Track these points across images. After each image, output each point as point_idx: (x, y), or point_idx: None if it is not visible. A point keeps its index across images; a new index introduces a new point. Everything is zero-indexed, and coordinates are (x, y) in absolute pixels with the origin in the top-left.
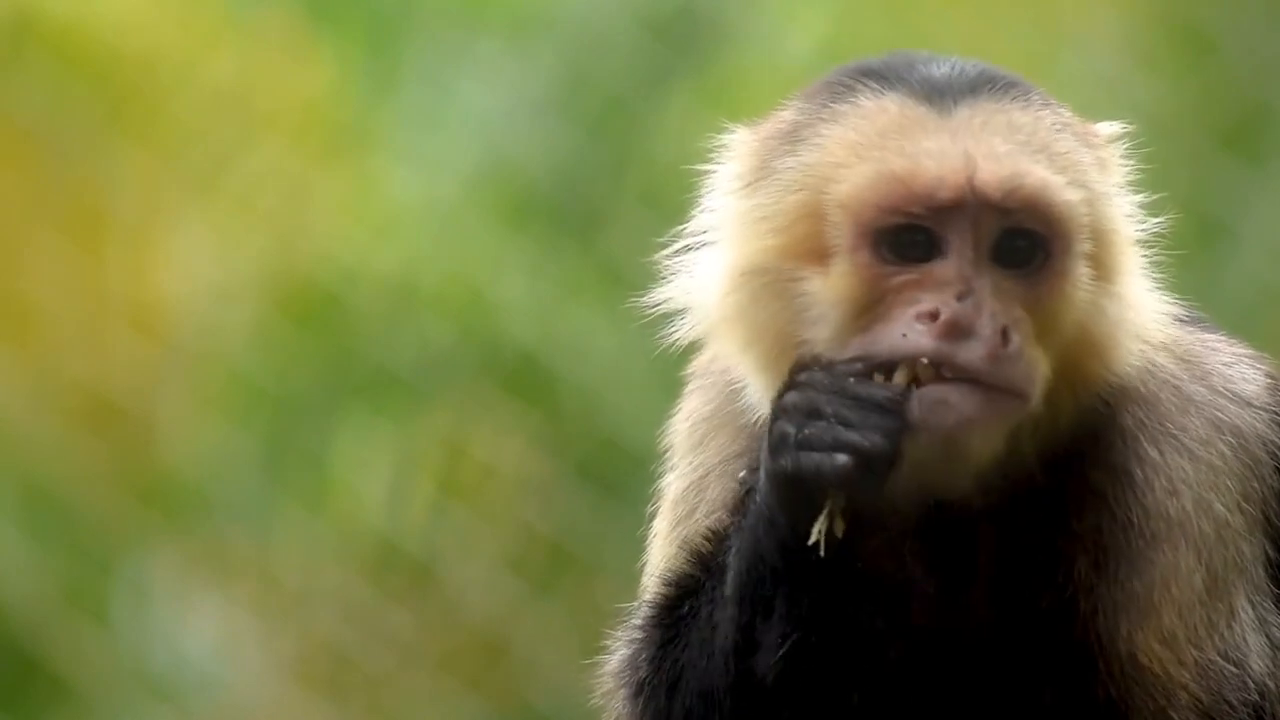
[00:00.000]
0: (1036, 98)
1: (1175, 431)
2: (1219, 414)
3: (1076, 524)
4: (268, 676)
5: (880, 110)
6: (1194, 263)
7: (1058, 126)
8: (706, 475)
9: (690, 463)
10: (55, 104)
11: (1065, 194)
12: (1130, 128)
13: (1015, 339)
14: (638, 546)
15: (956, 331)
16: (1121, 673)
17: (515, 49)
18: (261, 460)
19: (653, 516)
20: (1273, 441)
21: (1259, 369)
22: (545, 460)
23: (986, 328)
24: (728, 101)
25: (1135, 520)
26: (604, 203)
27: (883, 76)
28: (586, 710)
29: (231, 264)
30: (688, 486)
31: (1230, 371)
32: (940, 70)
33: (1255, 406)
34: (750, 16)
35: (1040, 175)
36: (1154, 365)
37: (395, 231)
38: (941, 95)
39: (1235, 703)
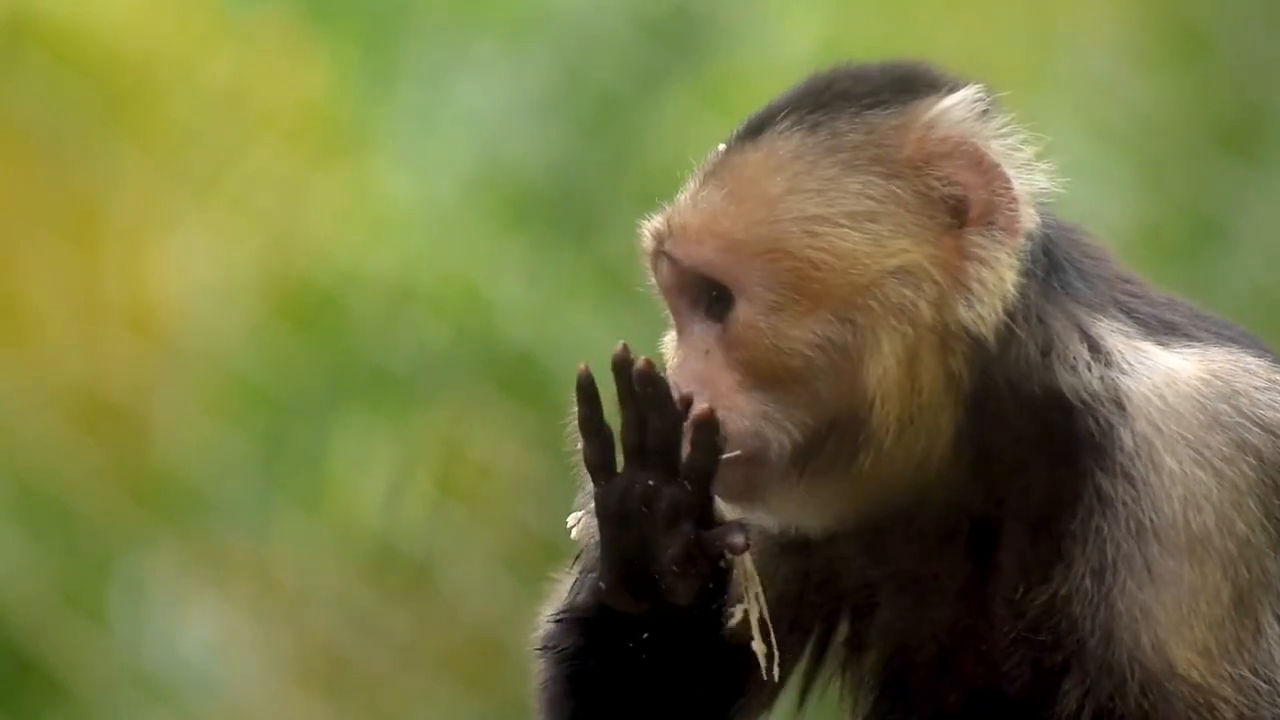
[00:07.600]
0: (822, 119)
1: (1197, 446)
2: (1245, 435)
3: (1080, 526)
4: (265, 677)
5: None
6: (1190, 263)
7: (806, 158)
8: None
9: None
10: (52, 104)
11: (705, 248)
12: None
13: (698, 403)
14: None
15: None
16: (1159, 685)
17: (511, 49)
18: (259, 461)
19: None
20: None
21: None
22: (543, 460)
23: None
24: (724, 101)
25: (1151, 527)
26: (601, 203)
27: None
28: None
29: (228, 264)
30: None
31: (1261, 397)
32: (765, 109)
33: None
34: (747, 16)
35: (687, 229)
36: (1176, 377)
37: (392, 232)
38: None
39: (1269, 718)
